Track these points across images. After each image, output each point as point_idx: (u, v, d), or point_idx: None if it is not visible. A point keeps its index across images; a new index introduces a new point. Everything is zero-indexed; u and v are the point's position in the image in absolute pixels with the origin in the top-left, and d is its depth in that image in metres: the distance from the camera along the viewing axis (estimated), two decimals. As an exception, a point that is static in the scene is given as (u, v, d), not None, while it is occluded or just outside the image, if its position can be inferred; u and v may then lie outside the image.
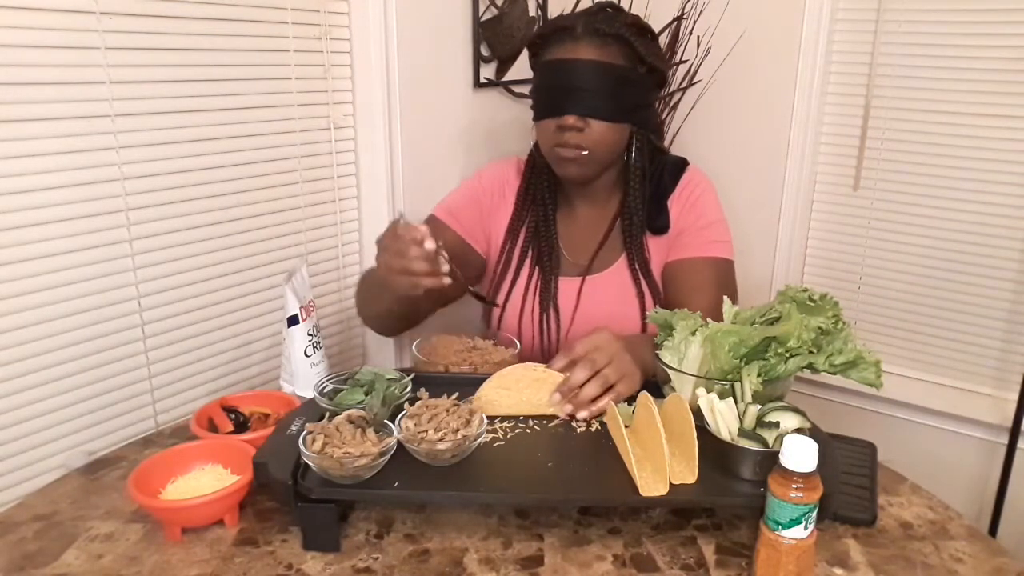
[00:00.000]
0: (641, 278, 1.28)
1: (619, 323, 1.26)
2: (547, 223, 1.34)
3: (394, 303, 1.18)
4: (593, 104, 1.19)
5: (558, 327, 1.32)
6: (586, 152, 1.21)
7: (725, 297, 1.07)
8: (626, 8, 1.95)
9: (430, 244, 0.96)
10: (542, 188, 1.34)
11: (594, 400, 1.00)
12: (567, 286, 1.32)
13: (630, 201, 1.29)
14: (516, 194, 1.38)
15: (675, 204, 1.30)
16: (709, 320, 1.02)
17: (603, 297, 1.30)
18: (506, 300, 1.35)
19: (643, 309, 1.28)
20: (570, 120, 1.19)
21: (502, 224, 1.38)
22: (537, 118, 1.25)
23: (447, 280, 1.00)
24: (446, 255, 1.00)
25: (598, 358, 1.01)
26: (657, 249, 1.30)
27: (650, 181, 1.29)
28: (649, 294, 1.28)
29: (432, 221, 1.33)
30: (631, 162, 1.28)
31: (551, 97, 1.22)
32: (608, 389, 1.01)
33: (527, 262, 1.35)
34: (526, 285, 1.34)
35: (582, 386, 1.01)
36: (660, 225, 1.28)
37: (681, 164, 1.33)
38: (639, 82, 1.23)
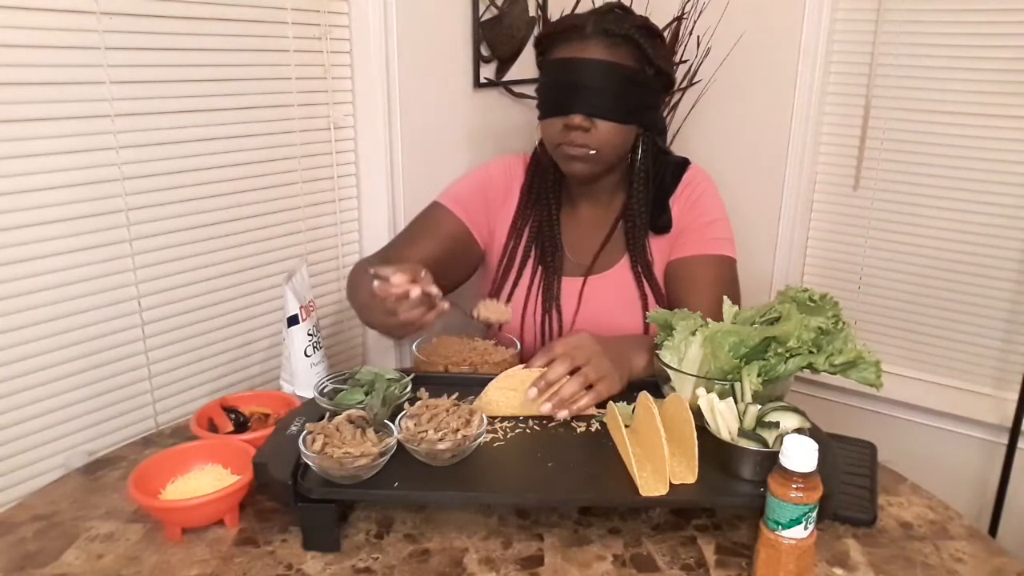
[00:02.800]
0: (644, 280, 1.28)
1: (620, 323, 1.26)
2: (551, 223, 1.34)
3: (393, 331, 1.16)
4: (601, 104, 1.18)
5: (560, 327, 1.32)
6: (593, 151, 1.21)
7: (725, 297, 1.07)
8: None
9: (415, 292, 0.97)
10: (546, 187, 1.34)
11: (574, 400, 0.99)
12: (569, 286, 1.32)
13: (633, 203, 1.29)
14: (520, 192, 1.37)
15: (676, 203, 1.30)
16: (709, 320, 1.02)
17: (605, 298, 1.30)
18: (509, 299, 1.35)
19: (645, 311, 1.28)
20: (577, 119, 1.19)
21: (506, 220, 1.38)
22: (543, 116, 1.25)
23: (446, 306, 1.01)
24: (433, 290, 0.99)
25: (577, 356, 1.01)
26: (659, 249, 1.30)
27: (653, 182, 1.29)
28: (651, 296, 1.28)
29: (436, 208, 1.35)
30: (636, 164, 1.28)
31: (558, 95, 1.21)
32: (588, 388, 1.01)
33: (530, 261, 1.35)
34: (529, 285, 1.34)
35: (561, 384, 1.00)
36: (662, 225, 1.28)
37: (683, 164, 1.33)
38: (647, 84, 1.23)
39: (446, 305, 1.02)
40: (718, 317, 1.06)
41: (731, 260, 1.29)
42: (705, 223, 1.28)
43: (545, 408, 0.99)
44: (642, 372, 1.10)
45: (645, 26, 1.23)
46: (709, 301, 1.17)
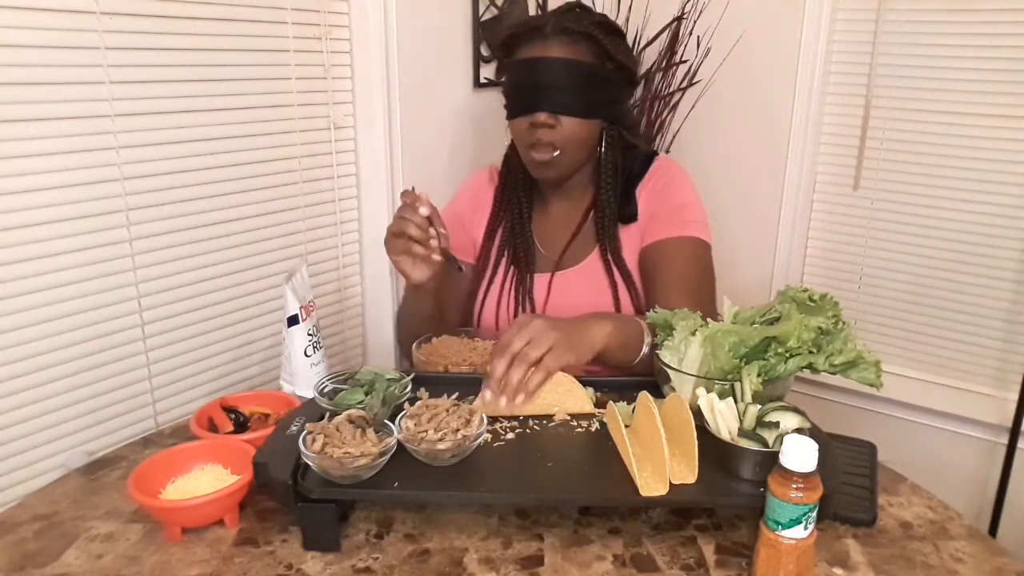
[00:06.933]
0: (614, 268, 1.29)
1: None
2: (522, 221, 1.36)
3: (419, 304, 1.25)
4: (564, 101, 1.21)
5: None
6: (558, 152, 1.23)
7: (726, 297, 1.07)
8: (625, 9, 1.96)
9: (424, 210, 1.09)
10: (518, 187, 1.36)
11: (525, 382, 0.97)
12: (541, 282, 1.34)
13: (602, 195, 1.31)
14: (493, 196, 1.40)
15: (643, 192, 1.31)
16: (709, 320, 1.02)
17: (575, 289, 1.31)
18: (484, 296, 1.37)
19: (616, 299, 1.28)
20: (542, 117, 1.21)
21: (480, 227, 1.41)
22: (510, 116, 1.27)
23: (436, 256, 1.12)
24: (443, 231, 1.11)
25: (515, 343, 0.98)
26: (629, 239, 1.31)
27: (622, 175, 1.31)
28: (622, 284, 1.28)
29: None
30: (603, 157, 1.30)
31: (523, 95, 1.24)
32: (537, 366, 0.98)
33: (504, 260, 1.37)
34: (502, 282, 1.36)
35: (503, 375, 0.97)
36: (629, 213, 1.29)
37: (650, 155, 1.35)
38: (608, 79, 1.25)
39: (437, 256, 1.12)
40: (695, 299, 1.07)
41: (704, 243, 1.28)
42: (675, 206, 1.28)
43: (502, 404, 0.97)
44: (608, 341, 1.05)
45: (604, 23, 1.26)
46: (684, 282, 1.19)
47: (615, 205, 1.30)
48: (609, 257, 1.29)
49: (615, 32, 1.27)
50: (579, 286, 1.31)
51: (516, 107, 1.25)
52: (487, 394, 0.99)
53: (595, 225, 1.32)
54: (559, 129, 1.22)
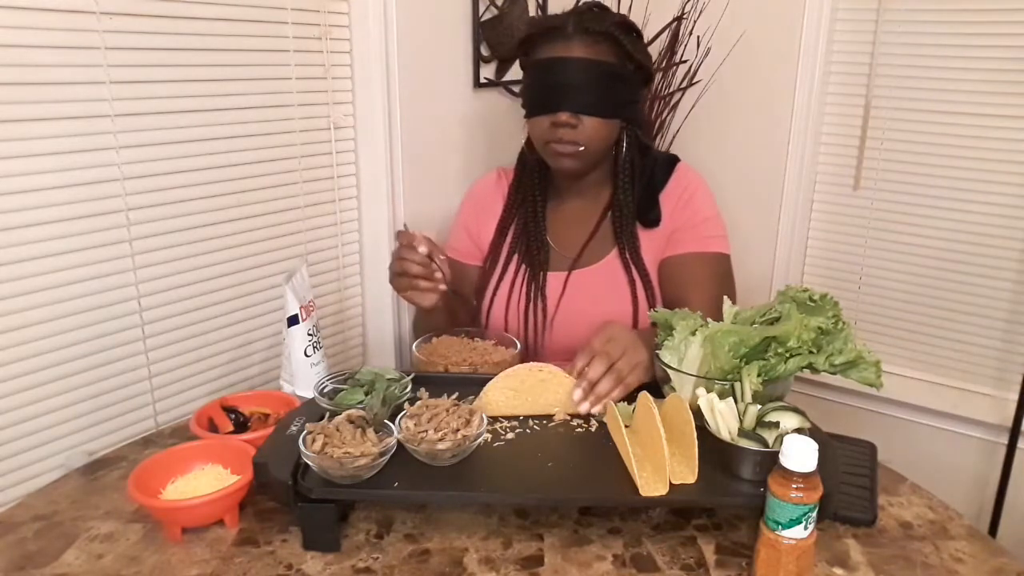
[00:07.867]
0: (632, 268, 1.29)
1: (608, 311, 1.27)
2: (536, 218, 1.36)
3: (434, 320, 1.28)
4: (586, 101, 1.21)
5: (544, 319, 1.33)
6: (581, 147, 1.24)
7: (725, 297, 1.07)
8: (626, 8, 1.96)
9: (423, 248, 1.12)
10: (532, 185, 1.37)
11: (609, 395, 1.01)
12: (556, 280, 1.34)
13: (620, 195, 1.31)
14: (505, 194, 1.41)
15: (668, 201, 1.31)
16: (709, 320, 1.02)
17: (591, 289, 1.31)
18: (494, 292, 1.37)
19: (635, 298, 1.28)
20: (564, 117, 1.21)
21: (490, 226, 1.41)
22: (530, 115, 1.27)
23: (441, 286, 1.15)
24: (440, 260, 1.14)
25: (612, 351, 1.02)
26: (649, 243, 1.31)
27: (640, 176, 1.31)
28: (640, 282, 1.29)
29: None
30: (621, 157, 1.30)
31: (544, 94, 1.24)
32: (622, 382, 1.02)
33: (515, 257, 1.37)
34: (513, 279, 1.36)
35: (598, 381, 1.01)
36: (652, 219, 1.30)
37: (672, 160, 1.35)
38: (628, 79, 1.26)
39: (442, 287, 1.15)
40: (717, 313, 1.06)
41: (726, 256, 1.31)
42: (699, 221, 1.30)
43: (583, 408, 1.01)
44: None
45: (623, 23, 1.27)
46: (708, 298, 1.19)
47: (633, 205, 1.31)
48: (628, 256, 1.30)
49: (634, 32, 1.28)
50: (596, 285, 1.31)
51: (537, 106, 1.25)
52: (577, 394, 1.01)
53: (613, 225, 1.32)
54: (580, 129, 1.23)
